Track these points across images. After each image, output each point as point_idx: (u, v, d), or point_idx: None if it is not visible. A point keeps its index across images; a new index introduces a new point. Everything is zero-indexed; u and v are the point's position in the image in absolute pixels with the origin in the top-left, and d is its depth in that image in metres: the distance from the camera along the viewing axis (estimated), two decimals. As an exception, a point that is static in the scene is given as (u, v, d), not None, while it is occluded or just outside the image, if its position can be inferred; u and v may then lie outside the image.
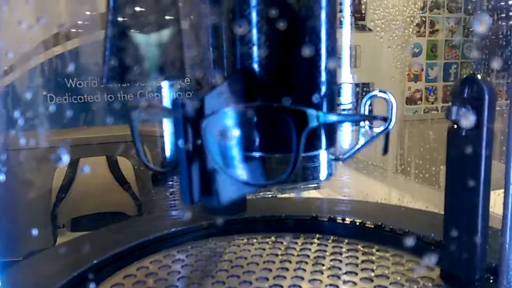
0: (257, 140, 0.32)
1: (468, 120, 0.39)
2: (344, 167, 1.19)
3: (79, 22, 1.86)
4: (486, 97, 0.39)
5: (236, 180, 0.30)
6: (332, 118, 0.32)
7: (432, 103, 2.60)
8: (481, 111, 0.39)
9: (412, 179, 1.35)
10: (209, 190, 0.29)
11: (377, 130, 0.35)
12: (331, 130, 0.35)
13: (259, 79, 0.31)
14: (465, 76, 0.41)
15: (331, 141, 0.35)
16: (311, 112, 0.29)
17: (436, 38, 2.60)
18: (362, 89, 2.40)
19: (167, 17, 0.33)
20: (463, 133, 0.40)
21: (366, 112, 0.36)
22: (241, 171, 0.31)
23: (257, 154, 0.32)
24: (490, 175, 0.41)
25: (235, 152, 0.31)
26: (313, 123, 0.29)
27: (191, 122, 0.27)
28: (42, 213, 1.67)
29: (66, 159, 0.34)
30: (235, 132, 0.30)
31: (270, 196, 0.92)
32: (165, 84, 0.42)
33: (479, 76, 0.40)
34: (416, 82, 2.60)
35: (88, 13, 1.89)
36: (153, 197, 1.91)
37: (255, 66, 0.31)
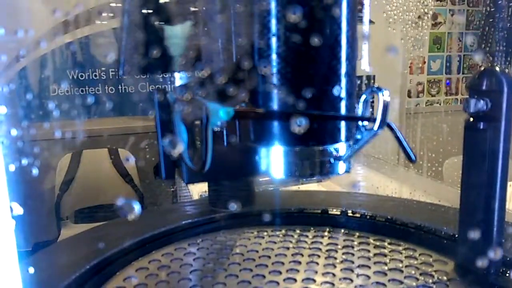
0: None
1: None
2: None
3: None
4: (505, 89, 0.39)
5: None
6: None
7: (433, 96, 2.59)
8: (500, 104, 0.39)
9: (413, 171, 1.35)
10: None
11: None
12: (349, 126, 0.34)
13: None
14: (483, 68, 0.40)
15: (350, 136, 0.34)
16: (213, 107, 0.29)
17: (439, 31, 2.58)
18: (365, 82, 2.40)
19: (185, 9, 0.32)
20: (481, 127, 0.40)
21: (360, 110, 0.36)
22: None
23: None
24: (507, 170, 0.40)
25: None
26: (215, 119, 0.29)
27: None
28: (47, 205, 1.67)
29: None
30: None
31: (272, 188, 0.92)
32: (178, 75, 0.41)
33: (497, 68, 0.40)
34: (418, 75, 2.59)
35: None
36: (155, 189, 1.91)
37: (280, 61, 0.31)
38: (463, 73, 2.62)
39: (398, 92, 2.48)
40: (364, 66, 0.40)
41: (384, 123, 0.31)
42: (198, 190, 1.53)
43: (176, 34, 0.31)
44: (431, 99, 2.59)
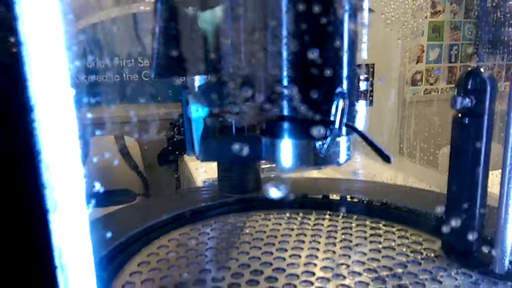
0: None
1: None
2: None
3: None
4: (488, 89, 0.44)
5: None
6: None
7: (431, 85, 2.63)
8: (483, 101, 0.44)
9: (410, 159, 1.40)
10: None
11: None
12: (350, 119, 0.39)
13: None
14: (469, 69, 0.45)
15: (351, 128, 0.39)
16: (193, 105, 0.35)
17: (438, 19, 2.61)
18: (364, 70, 2.43)
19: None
20: (467, 122, 0.45)
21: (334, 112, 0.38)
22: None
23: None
24: (489, 160, 0.45)
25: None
26: (195, 114, 0.36)
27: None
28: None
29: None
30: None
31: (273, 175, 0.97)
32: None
33: (482, 70, 0.45)
34: (417, 64, 2.62)
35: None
36: (159, 175, 1.96)
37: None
38: (461, 62, 2.65)
39: (396, 80, 2.52)
40: (363, 55, 0.44)
41: (341, 124, 0.35)
42: (202, 177, 1.59)
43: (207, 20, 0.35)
44: (429, 88, 2.64)
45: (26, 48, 0.18)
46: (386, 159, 0.34)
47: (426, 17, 2.54)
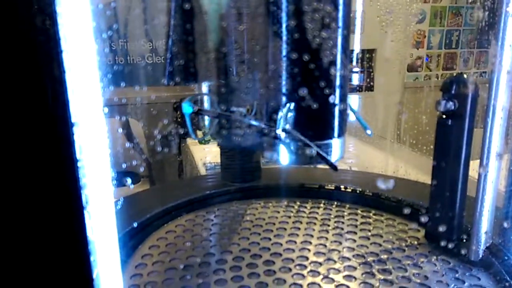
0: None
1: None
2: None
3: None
4: (470, 93, 0.48)
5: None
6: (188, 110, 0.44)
7: (431, 71, 2.65)
8: (465, 105, 0.48)
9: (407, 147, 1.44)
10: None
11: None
12: (342, 122, 0.43)
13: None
14: (454, 74, 0.49)
15: (342, 130, 0.43)
16: (184, 104, 0.41)
17: (439, 4, 2.61)
18: (365, 55, 2.45)
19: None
20: (450, 123, 0.49)
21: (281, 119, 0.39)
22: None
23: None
24: (469, 157, 0.50)
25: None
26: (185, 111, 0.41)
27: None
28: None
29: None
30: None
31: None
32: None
33: (465, 76, 0.48)
34: (418, 49, 2.63)
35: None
36: (162, 159, 2.01)
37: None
38: (461, 48, 2.66)
39: (397, 66, 2.54)
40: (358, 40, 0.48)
41: (284, 128, 0.38)
42: (204, 161, 1.64)
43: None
44: (429, 74, 2.66)
45: (68, 75, 0.23)
46: (333, 167, 0.37)
47: (426, 1, 2.54)
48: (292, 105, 0.40)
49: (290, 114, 0.38)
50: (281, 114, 0.37)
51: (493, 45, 0.42)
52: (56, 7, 0.21)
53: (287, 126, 0.37)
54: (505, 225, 0.48)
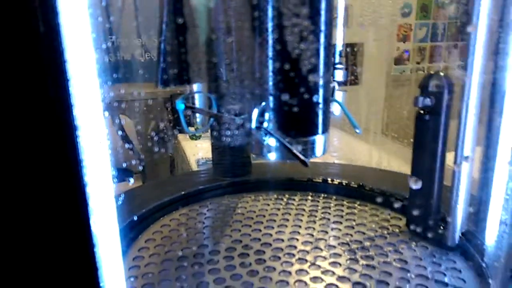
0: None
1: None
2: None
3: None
4: (446, 91, 0.51)
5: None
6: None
7: (418, 63, 2.69)
8: (441, 101, 0.51)
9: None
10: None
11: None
12: (325, 119, 0.46)
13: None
14: (431, 72, 0.52)
15: (326, 127, 0.46)
16: (178, 101, 0.45)
17: (426, -2, 2.64)
18: (352, 49, 2.48)
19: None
20: (427, 118, 0.52)
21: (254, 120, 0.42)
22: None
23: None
24: (445, 150, 0.53)
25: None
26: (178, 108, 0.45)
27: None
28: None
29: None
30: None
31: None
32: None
33: (441, 73, 0.52)
34: (404, 42, 2.67)
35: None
36: (155, 155, 2.03)
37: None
38: (447, 41, 2.71)
39: (383, 60, 2.58)
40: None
41: (259, 126, 0.41)
42: (196, 157, 1.66)
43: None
44: (416, 66, 2.70)
45: (72, 84, 0.25)
46: (303, 163, 0.40)
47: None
48: (268, 103, 0.42)
49: (267, 113, 0.41)
50: (256, 111, 0.40)
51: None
52: (59, 20, 0.23)
53: (265, 124, 0.40)
54: (478, 212, 0.51)
